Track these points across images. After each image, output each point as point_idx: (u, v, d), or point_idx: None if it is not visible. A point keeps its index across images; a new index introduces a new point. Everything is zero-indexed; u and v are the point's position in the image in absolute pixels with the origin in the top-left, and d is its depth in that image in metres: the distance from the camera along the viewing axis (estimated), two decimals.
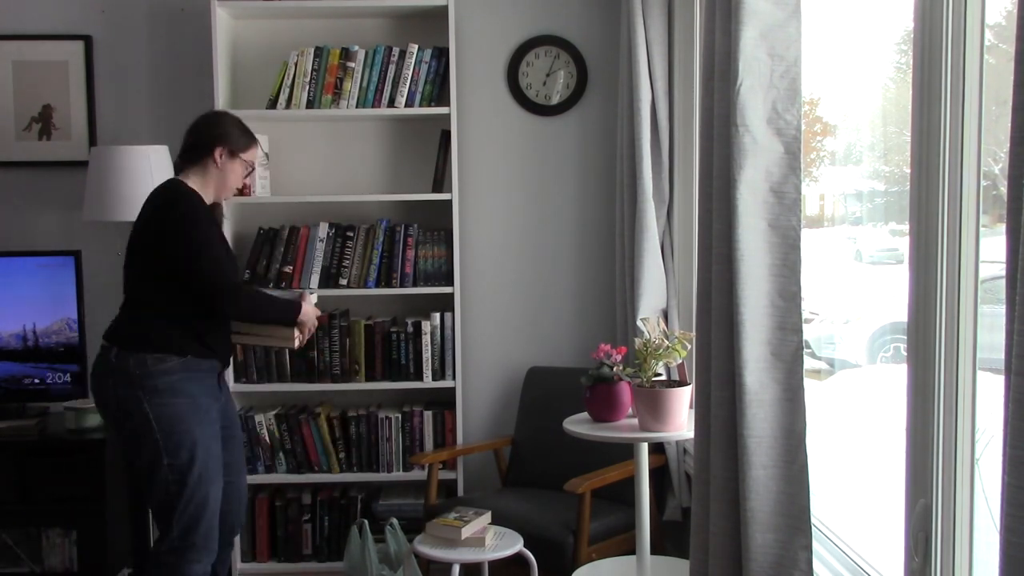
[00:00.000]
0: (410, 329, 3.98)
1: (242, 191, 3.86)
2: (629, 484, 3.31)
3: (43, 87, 4.08)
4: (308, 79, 3.89)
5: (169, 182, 3.08)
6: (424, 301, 4.05)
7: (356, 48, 3.91)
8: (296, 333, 3.10)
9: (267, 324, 3.10)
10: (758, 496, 2.25)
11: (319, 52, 3.90)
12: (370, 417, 4.02)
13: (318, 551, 4.02)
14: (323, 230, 3.96)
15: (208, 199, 3.07)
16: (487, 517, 3.34)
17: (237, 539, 3.94)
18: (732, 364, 2.31)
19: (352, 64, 3.89)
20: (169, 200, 2.98)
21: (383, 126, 4.12)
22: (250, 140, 3.11)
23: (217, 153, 3.03)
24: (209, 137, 3.04)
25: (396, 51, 3.90)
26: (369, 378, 3.99)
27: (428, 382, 3.97)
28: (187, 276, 2.93)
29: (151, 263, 2.96)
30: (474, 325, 4.18)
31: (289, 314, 3.07)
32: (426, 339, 3.96)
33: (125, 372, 2.91)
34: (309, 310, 3.11)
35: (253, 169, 3.18)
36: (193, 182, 3.04)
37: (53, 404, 3.94)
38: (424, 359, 3.96)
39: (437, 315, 3.96)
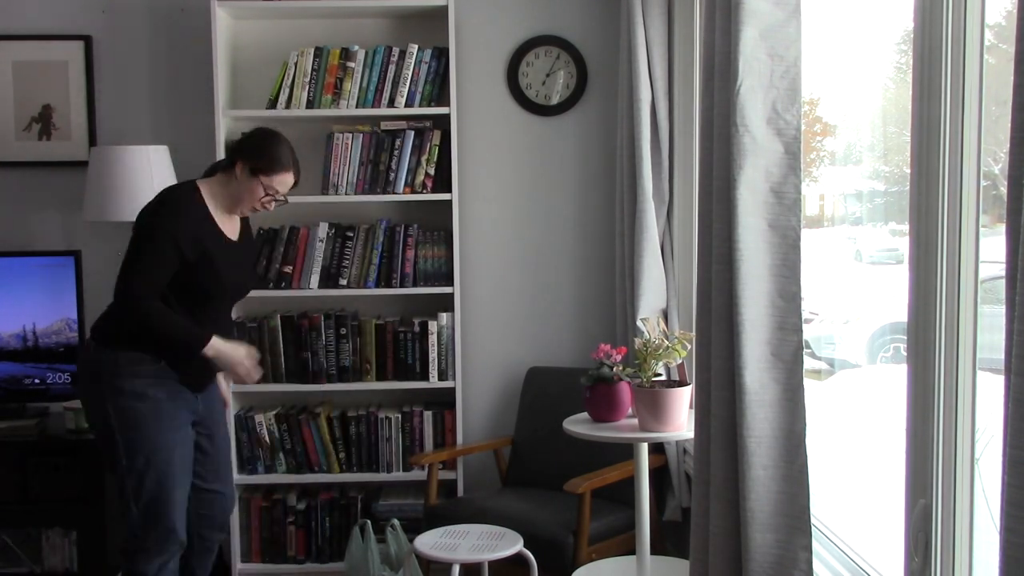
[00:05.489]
0: (417, 329, 3.98)
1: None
2: (629, 484, 3.31)
3: (43, 87, 4.08)
4: (308, 79, 3.89)
5: (174, 185, 3.12)
6: (424, 301, 4.05)
7: (356, 48, 3.90)
8: (224, 375, 3.14)
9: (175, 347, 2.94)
10: (758, 496, 2.25)
11: (319, 52, 3.90)
12: (370, 417, 4.01)
13: (318, 551, 4.01)
14: (323, 230, 3.95)
15: (222, 209, 3.04)
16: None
17: (237, 539, 3.95)
18: (732, 364, 2.31)
19: (352, 64, 3.89)
20: (153, 201, 2.99)
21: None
22: (276, 165, 2.99)
23: (239, 166, 2.99)
24: (239, 149, 3.03)
25: (396, 51, 3.90)
26: (380, 378, 3.99)
27: (434, 382, 3.97)
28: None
29: None
30: (474, 325, 4.17)
31: (193, 344, 2.90)
32: (433, 339, 3.96)
33: (94, 367, 2.94)
34: (224, 350, 2.95)
35: (276, 196, 3.04)
36: (208, 187, 3.03)
37: (53, 404, 3.94)
38: (431, 359, 3.96)
39: (445, 315, 3.96)
